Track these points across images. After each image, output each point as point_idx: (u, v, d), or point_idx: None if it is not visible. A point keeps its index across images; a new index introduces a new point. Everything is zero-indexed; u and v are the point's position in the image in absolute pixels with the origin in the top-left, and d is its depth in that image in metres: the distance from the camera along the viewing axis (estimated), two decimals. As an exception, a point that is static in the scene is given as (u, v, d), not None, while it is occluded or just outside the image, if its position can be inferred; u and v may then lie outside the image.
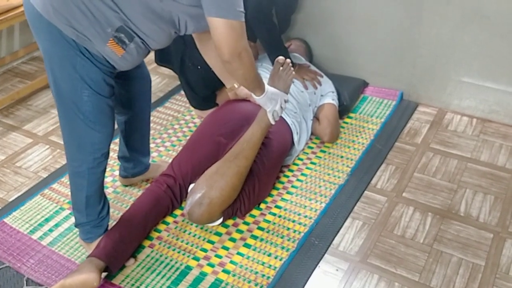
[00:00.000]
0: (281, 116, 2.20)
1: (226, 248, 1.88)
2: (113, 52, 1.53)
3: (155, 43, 1.61)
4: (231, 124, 2.08)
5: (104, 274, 1.72)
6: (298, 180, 2.20)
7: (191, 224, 1.97)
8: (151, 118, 2.60)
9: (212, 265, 1.82)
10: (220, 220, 1.90)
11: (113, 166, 2.29)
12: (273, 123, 1.88)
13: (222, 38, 1.49)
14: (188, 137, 2.19)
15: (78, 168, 1.70)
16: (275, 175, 2.12)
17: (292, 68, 1.91)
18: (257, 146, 1.89)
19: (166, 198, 1.93)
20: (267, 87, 1.80)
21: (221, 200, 1.82)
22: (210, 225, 1.93)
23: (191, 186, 1.91)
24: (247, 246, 1.89)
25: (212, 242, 1.90)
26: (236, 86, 2.07)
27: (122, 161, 2.09)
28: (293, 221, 1.99)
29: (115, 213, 2.02)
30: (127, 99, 1.88)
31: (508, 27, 2.31)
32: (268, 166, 2.01)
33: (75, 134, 1.65)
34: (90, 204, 1.76)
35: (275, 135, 2.08)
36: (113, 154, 2.35)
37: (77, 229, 1.91)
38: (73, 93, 1.57)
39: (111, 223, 1.88)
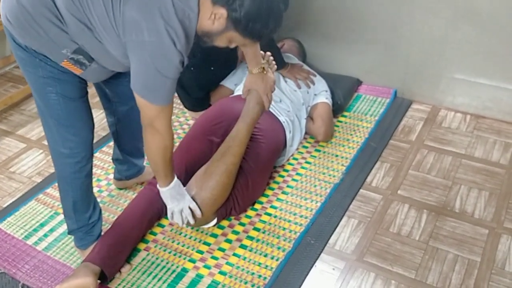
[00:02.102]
0: (273, 115, 2.21)
1: (222, 250, 1.88)
2: (71, 70, 1.50)
3: (117, 68, 1.57)
4: (224, 123, 2.08)
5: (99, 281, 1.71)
6: (293, 179, 2.19)
7: (187, 227, 1.97)
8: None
9: (208, 267, 1.81)
10: (214, 221, 1.90)
11: (108, 169, 2.29)
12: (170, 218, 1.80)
13: (141, 108, 1.48)
14: (180, 140, 2.18)
15: (61, 172, 1.70)
16: (268, 173, 2.12)
17: (274, 65, 1.89)
18: (244, 143, 1.89)
19: (160, 200, 1.92)
20: (174, 183, 1.70)
21: (212, 200, 1.82)
22: (205, 226, 1.93)
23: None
24: (243, 247, 1.89)
25: (208, 244, 1.90)
26: (262, 69, 1.91)
27: (116, 163, 2.09)
28: (289, 221, 1.99)
29: (110, 217, 2.02)
30: (115, 100, 1.87)
31: (500, 23, 2.32)
32: (261, 164, 2.00)
33: (51, 139, 1.65)
34: (78, 210, 1.75)
35: (268, 133, 2.08)
36: (108, 158, 2.35)
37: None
38: (41, 96, 1.56)
39: (106, 226, 1.88)
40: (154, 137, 1.54)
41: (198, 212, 1.78)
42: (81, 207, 1.75)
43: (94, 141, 2.48)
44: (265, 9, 1.38)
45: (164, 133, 1.53)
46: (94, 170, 2.25)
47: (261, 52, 1.87)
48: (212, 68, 2.52)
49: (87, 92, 1.64)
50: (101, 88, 1.83)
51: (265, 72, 1.89)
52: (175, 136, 2.50)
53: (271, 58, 1.90)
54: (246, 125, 1.89)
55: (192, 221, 1.78)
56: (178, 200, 1.74)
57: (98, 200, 2.09)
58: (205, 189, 1.81)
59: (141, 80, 1.42)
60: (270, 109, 2.22)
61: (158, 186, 1.72)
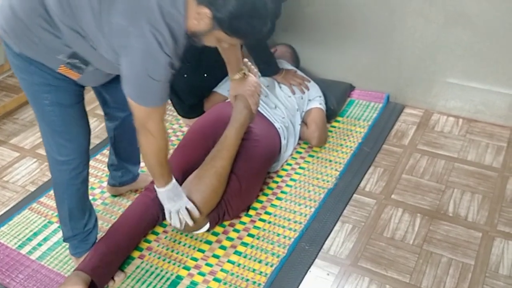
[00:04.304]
0: (269, 121, 2.22)
1: (217, 256, 1.88)
2: (68, 75, 1.51)
3: (114, 71, 1.56)
4: (219, 128, 2.08)
5: None
6: (287, 185, 2.20)
7: (181, 234, 1.97)
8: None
9: (203, 274, 1.81)
10: (207, 226, 1.89)
11: (102, 177, 2.28)
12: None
13: (133, 110, 1.49)
14: (176, 146, 2.18)
15: (56, 179, 1.70)
16: (261, 178, 2.12)
17: (254, 69, 1.94)
18: (233, 147, 1.91)
19: (155, 207, 1.92)
20: (172, 184, 1.71)
21: (202, 203, 1.82)
22: (198, 232, 1.93)
23: None
24: (237, 253, 1.89)
25: (202, 251, 1.90)
26: (243, 74, 1.97)
27: (111, 169, 2.08)
28: (283, 227, 1.99)
29: (104, 225, 2.01)
30: (114, 105, 1.87)
31: (491, 27, 2.34)
32: (254, 169, 2.01)
33: (47, 145, 1.65)
34: (74, 217, 1.74)
35: (263, 138, 2.09)
36: (102, 166, 2.35)
37: (66, 243, 1.90)
38: (36, 103, 1.56)
39: (100, 235, 1.87)
40: (148, 139, 1.55)
41: (196, 213, 1.79)
42: (76, 214, 1.75)
43: (90, 147, 2.49)
44: (249, 8, 1.37)
45: (157, 134, 1.54)
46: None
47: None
48: (205, 75, 2.52)
49: (83, 98, 1.65)
50: (101, 93, 1.83)
51: (246, 76, 1.95)
52: (169, 143, 2.50)
53: (249, 63, 1.93)
54: (234, 129, 1.92)
55: (190, 222, 1.78)
56: (175, 201, 1.75)
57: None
58: (195, 192, 1.81)
59: (131, 83, 1.43)
60: (266, 115, 2.23)
61: (155, 186, 1.73)
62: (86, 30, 1.40)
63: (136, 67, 1.39)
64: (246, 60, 1.94)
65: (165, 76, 1.42)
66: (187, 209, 1.78)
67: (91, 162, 2.35)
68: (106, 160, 2.36)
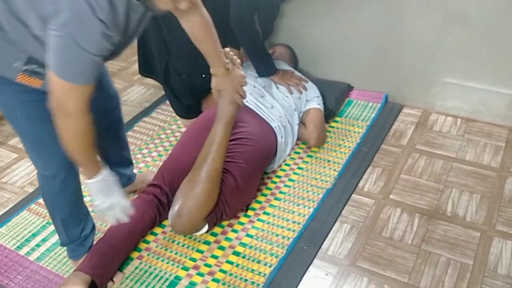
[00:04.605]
0: (265, 120, 2.22)
1: (215, 257, 1.88)
2: (29, 84, 1.41)
3: None
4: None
5: None
6: (285, 185, 2.20)
7: (179, 234, 1.97)
8: (137, 128, 2.61)
9: (201, 275, 1.81)
10: (206, 228, 1.89)
11: (100, 178, 2.28)
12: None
13: (51, 85, 1.28)
14: (180, 138, 2.18)
15: (45, 192, 1.67)
16: (258, 177, 2.11)
17: (237, 60, 1.81)
18: (222, 146, 1.87)
19: (153, 208, 1.92)
20: (103, 176, 1.48)
21: (199, 208, 1.81)
22: (197, 234, 1.93)
23: None
24: (236, 254, 1.89)
25: (201, 251, 1.90)
26: (227, 69, 1.80)
27: None
28: (282, 227, 1.99)
29: (103, 226, 2.01)
30: (93, 117, 1.79)
31: (489, 27, 2.34)
32: (251, 168, 2.00)
33: (32, 159, 1.61)
34: (69, 226, 1.73)
35: (259, 137, 2.09)
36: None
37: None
38: (11, 121, 1.51)
39: (99, 235, 1.87)
40: (66, 121, 1.32)
41: (130, 211, 1.60)
42: (71, 223, 1.72)
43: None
44: None
45: (76, 114, 1.31)
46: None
47: (225, 49, 1.78)
48: (203, 76, 2.52)
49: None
50: None
51: (230, 72, 1.80)
52: (167, 143, 2.51)
53: (231, 53, 1.82)
54: (221, 127, 1.88)
55: (126, 219, 1.59)
56: (106, 196, 1.51)
57: (91, 209, 2.10)
58: (190, 198, 1.80)
59: (55, 51, 1.24)
60: (262, 115, 2.23)
61: (83, 179, 1.53)
62: (22, 13, 1.28)
63: (63, 34, 1.21)
64: (227, 49, 1.81)
65: (99, 49, 1.24)
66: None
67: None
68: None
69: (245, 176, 1.96)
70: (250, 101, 2.28)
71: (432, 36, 2.47)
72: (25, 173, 2.37)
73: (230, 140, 2.05)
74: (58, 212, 1.70)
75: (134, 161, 2.36)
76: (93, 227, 1.82)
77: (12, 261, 1.89)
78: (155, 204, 1.93)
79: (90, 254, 1.74)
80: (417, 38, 2.51)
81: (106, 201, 1.52)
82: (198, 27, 1.66)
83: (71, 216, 1.71)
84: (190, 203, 1.80)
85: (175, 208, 1.82)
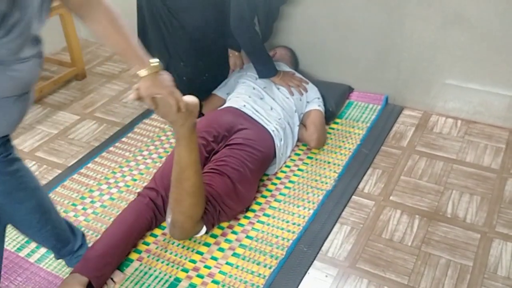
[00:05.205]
0: (260, 124, 2.21)
1: (215, 259, 1.88)
2: None
3: None
4: (213, 131, 2.12)
5: None
6: (285, 187, 2.20)
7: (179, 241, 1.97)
8: (138, 130, 2.62)
9: (201, 276, 1.81)
10: (204, 229, 1.89)
11: (100, 180, 2.28)
12: None
13: None
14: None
15: None
16: (257, 180, 2.11)
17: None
18: (191, 163, 1.72)
19: (149, 211, 1.92)
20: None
21: (189, 219, 1.82)
22: (197, 236, 1.93)
23: None
24: (236, 255, 1.89)
25: (201, 253, 1.90)
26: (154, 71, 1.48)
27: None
28: (282, 229, 1.99)
29: (103, 228, 2.01)
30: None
31: (488, 28, 2.34)
32: (249, 172, 2.00)
33: None
34: (59, 249, 1.73)
35: (256, 142, 2.09)
36: (101, 168, 2.35)
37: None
38: None
39: (97, 236, 1.87)
40: None
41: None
42: (60, 246, 1.72)
43: (88, 151, 2.49)
44: None
45: None
46: (86, 180, 2.26)
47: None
48: (204, 77, 2.53)
49: None
50: None
51: (157, 74, 1.49)
52: (167, 145, 2.51)
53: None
54: (182, 146, 1.69)
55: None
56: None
57: (91, 210, 2.10)
58: (178, 214, 1.80)
59: None
60: (259, 120, 2.23)
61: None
62: None
63: None
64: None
65: None
66: None
67: (90, 165, 2.37)
68: (106, 162, 2.38)
69: (242, 180, 1.97)
70: (247, 106, 2.28)
71: (432, 37, 2.47)
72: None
73: (227, 145, 2.07)
74: (44, 245, 1.72)
75: (134, 163, 2.37)
76: (83, 236, 1.80)
77: (12, 263, 1.89)
78: (151, 208, 1.94)
79: (86, 256, 1.74)
80: (417, 39, 2.51)
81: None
82: (103, 24, 1.38)
83: (56, 243, 1.71)
84: (180, 218, 1.81)
85: (168, 219, 1.84)
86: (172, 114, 1.57)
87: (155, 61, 1.47)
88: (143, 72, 1.45)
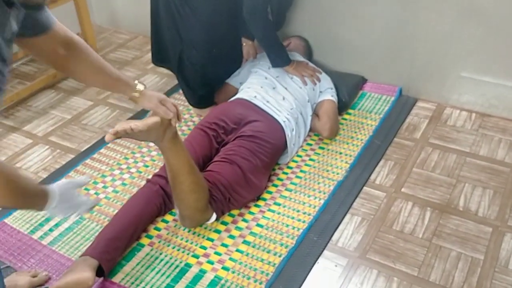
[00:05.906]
0: (271, 116, 2.21)
1: (225, 245, 1.89)
2: None
3: None
4: (222, 123, 2.13)
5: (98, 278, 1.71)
6: (297, 177, 2.20)
7: (188, 230, 1.98)
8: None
9: (211, 262, 1.82)
10: (214, 216, 1.90)
11: (113, 165, 2.30)
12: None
13: None
14: (186, 136, 2.19)
15: None
16: (268, 170, 2.12)
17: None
18: (182, 166, 1.74)
19: (158, 198, 1.94)
20: (55, 200, 1.32)
21: (196, 211, 1.85)
22: (208, 223, 1.94)
23: None
24: (246, 243, 1.90)
25: (211, 240, 1.91)
26: (138, 92, 1.59)
27: None
28: (292, 218, 1.99)
29: (114, 212, 2.02)
30: None
31: (504, 21, 2.31)
32: (260, 163, 2.01)
33: None
34: None
35: (267, 134, 2.10)
36: (113, 154, 2.36)
37: (77, 228, 1.94)
38: None
39: (109, 220, 1.89)
40: None
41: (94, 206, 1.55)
42: None
43: (100, 137, 2.51)
44: None
45: None
46: (99, 166, 2.28)
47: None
48: (217, 66, 2.53)
49: None
50: None
51: (143, 90, 1.60)
52: (180, 132, 2.51)
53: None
54: (169, 151, 1.72)
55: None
56: (72, 209, 1.42)
57: (103, 195, 2.13)
58: (184, 209, 1.84)
59: None
60: (268, 110, 2.23)
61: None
62: None
63: None
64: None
65: None
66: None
67: (103, 150, 2.38)
68: (118, 148, 2.39)
69: (252, 169, 1.98)
70: (258, 97, 2.28)
71: (447, 29, 2.45)
72: (39, 158, 2.40)
73: (237, 137, 2.07)
74: None
75: (146, 149, 2.38)
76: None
77: (26, 245, 1.92)
78: (161, 195, 1.95)
79: (96, 239, 1.76)
80: (432, 31, 2.49)
81: (74, 212, 1.44)
82: (89, 69, 1.47)
83: None
84: (187, 212, 1.84)
85: (177, 211, 1.87)
86: (151, 136, 1.65)
87: (137, 83, 1.59)
88: (134, 94, 1.59)
